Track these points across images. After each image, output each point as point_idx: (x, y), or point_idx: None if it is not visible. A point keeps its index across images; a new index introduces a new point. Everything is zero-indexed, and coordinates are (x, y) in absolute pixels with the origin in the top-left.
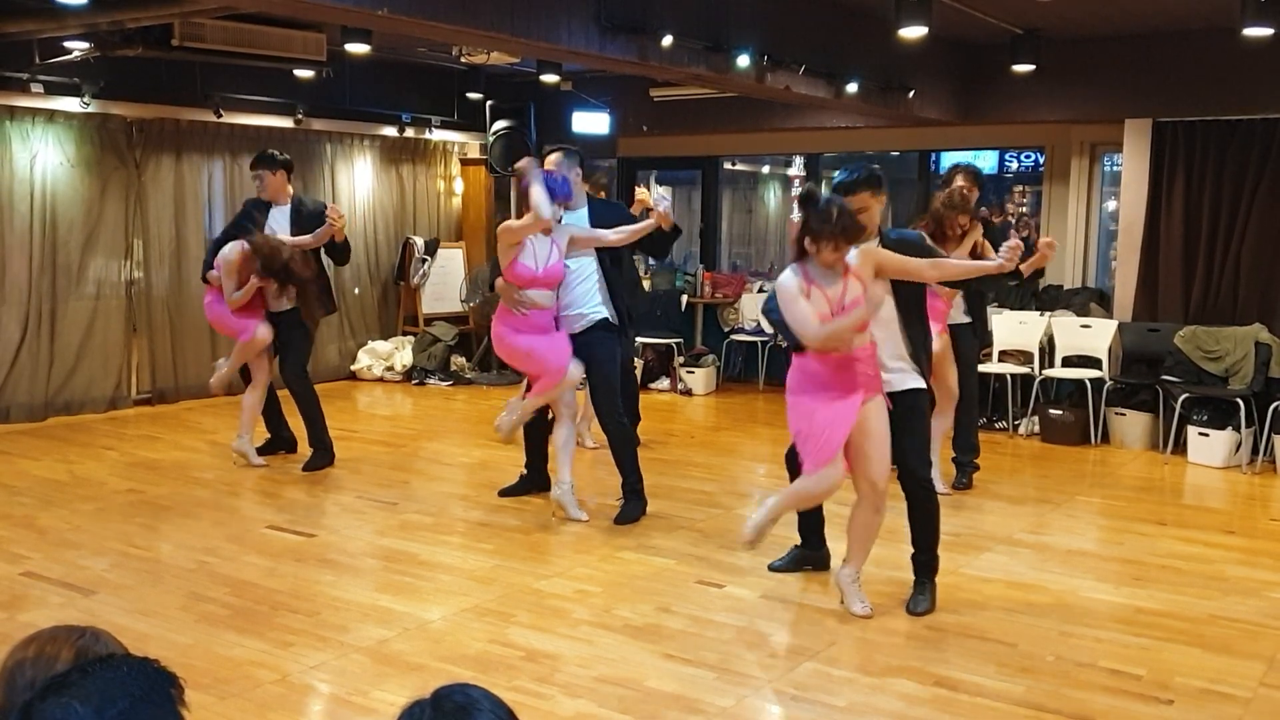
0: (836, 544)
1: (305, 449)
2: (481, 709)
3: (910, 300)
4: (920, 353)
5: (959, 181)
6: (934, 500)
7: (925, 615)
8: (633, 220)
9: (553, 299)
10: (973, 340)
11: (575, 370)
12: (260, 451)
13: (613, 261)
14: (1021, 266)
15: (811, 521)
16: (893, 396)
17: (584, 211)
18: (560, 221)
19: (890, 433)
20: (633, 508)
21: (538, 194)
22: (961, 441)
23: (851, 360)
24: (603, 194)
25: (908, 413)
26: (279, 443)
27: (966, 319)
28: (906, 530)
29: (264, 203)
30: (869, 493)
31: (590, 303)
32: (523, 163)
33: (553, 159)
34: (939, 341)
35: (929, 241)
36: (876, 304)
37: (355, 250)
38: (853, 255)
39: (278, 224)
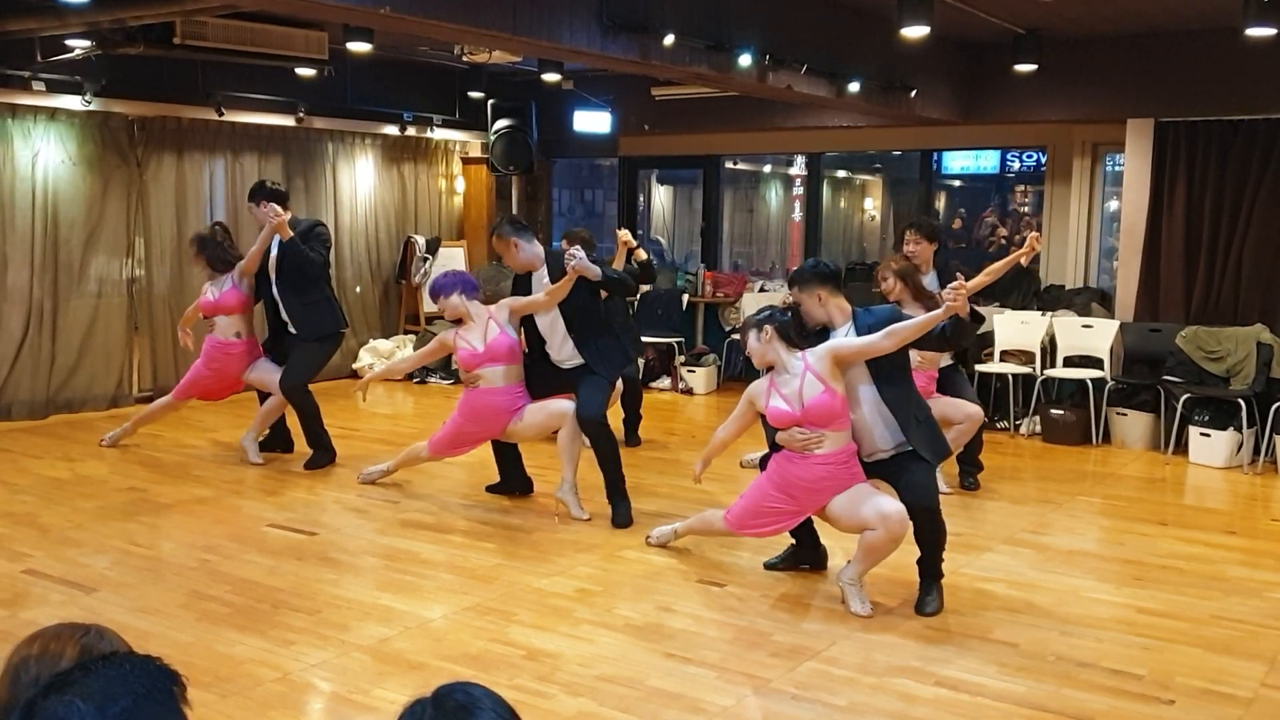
0: (833, 542)
1: (304, 448)
2: (483, 707)
3: (892, 380)
4: (917, 429)
5: (908, 238)
6: (939, 522)
7: (934, 615)
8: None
9: (510, 374)
10: (962, 374)
11: (565, 406)
12: (259, 447)
13: (583, 310)
14: (996, 266)
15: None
16: (884, 461)
17: (543, 270)
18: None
19: (889, 479)
20: (627, 509)
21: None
22: (971, 443)
23: (822, 470)
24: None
25: (900, 467)
26: (276, 440)
27: (950, 361)
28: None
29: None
30: (888, 525)
31: (573, 355)
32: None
33: (493, 242)
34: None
35: (904, 311)
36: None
37: (356, 249)
38: (813, 355)
39: (273, 249)
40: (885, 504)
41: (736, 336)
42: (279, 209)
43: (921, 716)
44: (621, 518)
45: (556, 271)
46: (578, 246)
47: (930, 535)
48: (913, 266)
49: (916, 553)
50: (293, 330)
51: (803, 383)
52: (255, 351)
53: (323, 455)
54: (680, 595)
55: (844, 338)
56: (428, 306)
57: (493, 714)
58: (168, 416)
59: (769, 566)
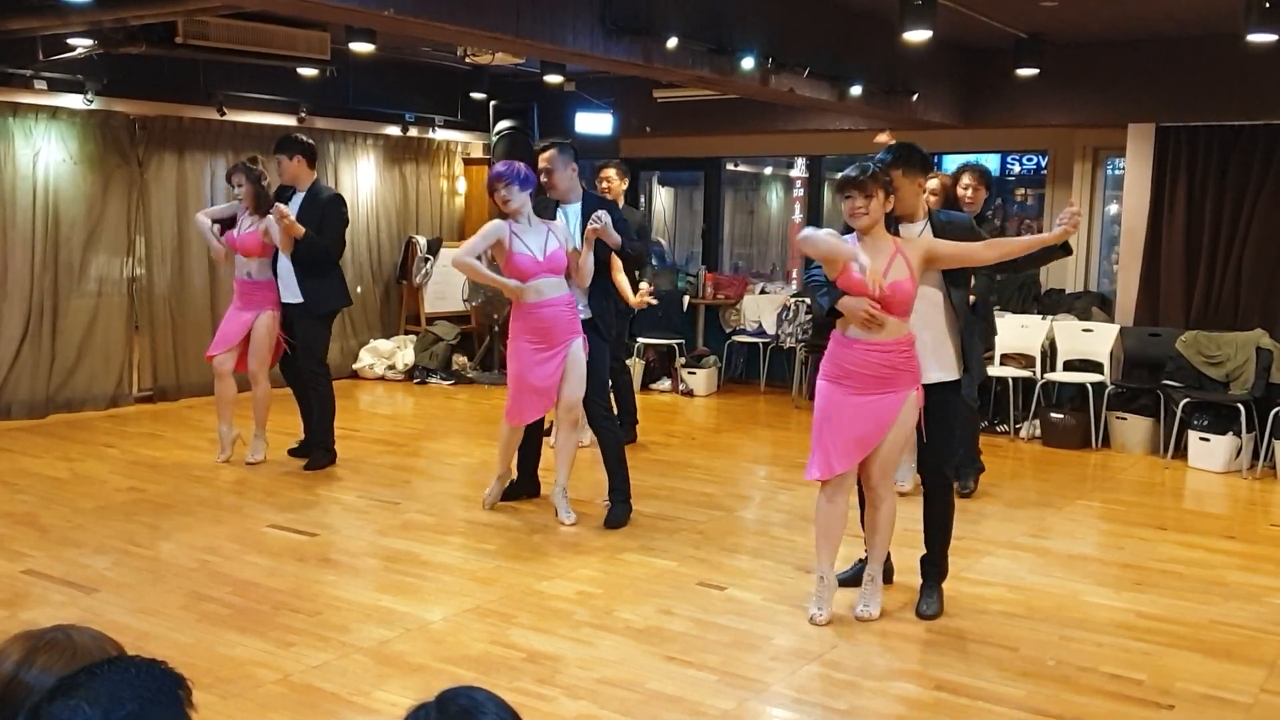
0: (900, 561)
1: (346, 456)
2: (486, 711)
3: (958, 284)
4: (970, 354)
5: (965, 180)
6: (949, 499)
7: (933, 619)
8: (623, 223)
9: (564, 286)
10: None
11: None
12: (293, 453)
13: (596, 263)
14: (1042, 236)
15: None
16: (925, 388)
17: (578, 205)
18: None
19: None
20: (620, 512)
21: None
22: (969, 446)
23: (878, 356)
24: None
25: (937, 406)
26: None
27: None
28: (907, 533)
29: (287, 188)
30: (865, 487)
31: (578, 303)
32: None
33: (547, 155)
34: None
35: (976, 225)
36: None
37: (358, 249)
38: (908, 242)
39: (293, 209)
40: (876, 470)
41: (737, 338)
42: (284, 208)
43: (920, 719)
44: (613, 518)
45: (587, 211)
46: (604, 211)
47: (939, 510)
48: (951, 183)
49: (913, 554)
50: (299, 299)
51: (891, 263)
52: (272, 295)
53: (323, 456)
54: (681, 598)
55: (935, 238)
56: (429, 307)
57: (495, 718)
58: (231, 395)
59: (843, 582)
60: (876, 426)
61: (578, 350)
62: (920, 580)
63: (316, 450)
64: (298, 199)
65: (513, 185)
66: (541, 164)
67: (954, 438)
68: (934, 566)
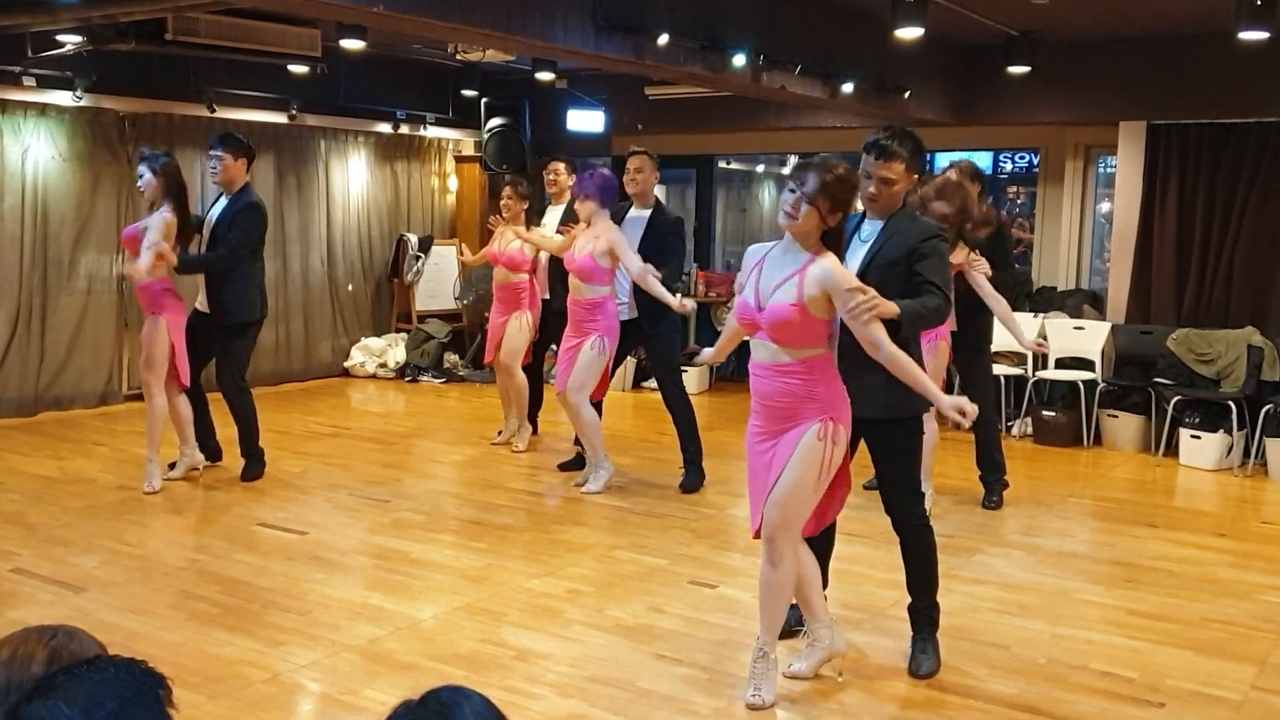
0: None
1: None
2: (462, 708)
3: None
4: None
5: (950, 175)
6: (927, 539)
7: (930, 677)
8: (673, 234)
9: (584, 291)
10: (969, 350)
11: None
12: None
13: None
14: (1008, 318)
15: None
16: (863, 422)
17: (648, 213)
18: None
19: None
20: (693, 478)
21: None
22: (984, 459)
23: (767, 384)
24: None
25: (883, 442)
26: (204, 451)
27: (954, 327)
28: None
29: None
30: (763, 538)
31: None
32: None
33: (642, 159)
34: (932, 355)
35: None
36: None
37: (349, 247)
38: (823, 268)
39: (213, 213)
40: (766, 515)
41: None
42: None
43: (913, 718)
44: (687, 483)
45: (655, 218)
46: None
47: (915, 553)
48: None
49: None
50: (204, 308)
51: (783, 284)
52: (166, 298)
53: (256, 466)
54: (671, 596)
55: (839, 279)
56: (420, 305)
57: (472, 714)
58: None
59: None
60: (776, 464)
61: (585, 346)
62: (911, 632)
63: (249, 460)
64: (219, 203)
65: (602, 205)
66: (641, 164)
67: (912, 472)
68: (921, 615)
